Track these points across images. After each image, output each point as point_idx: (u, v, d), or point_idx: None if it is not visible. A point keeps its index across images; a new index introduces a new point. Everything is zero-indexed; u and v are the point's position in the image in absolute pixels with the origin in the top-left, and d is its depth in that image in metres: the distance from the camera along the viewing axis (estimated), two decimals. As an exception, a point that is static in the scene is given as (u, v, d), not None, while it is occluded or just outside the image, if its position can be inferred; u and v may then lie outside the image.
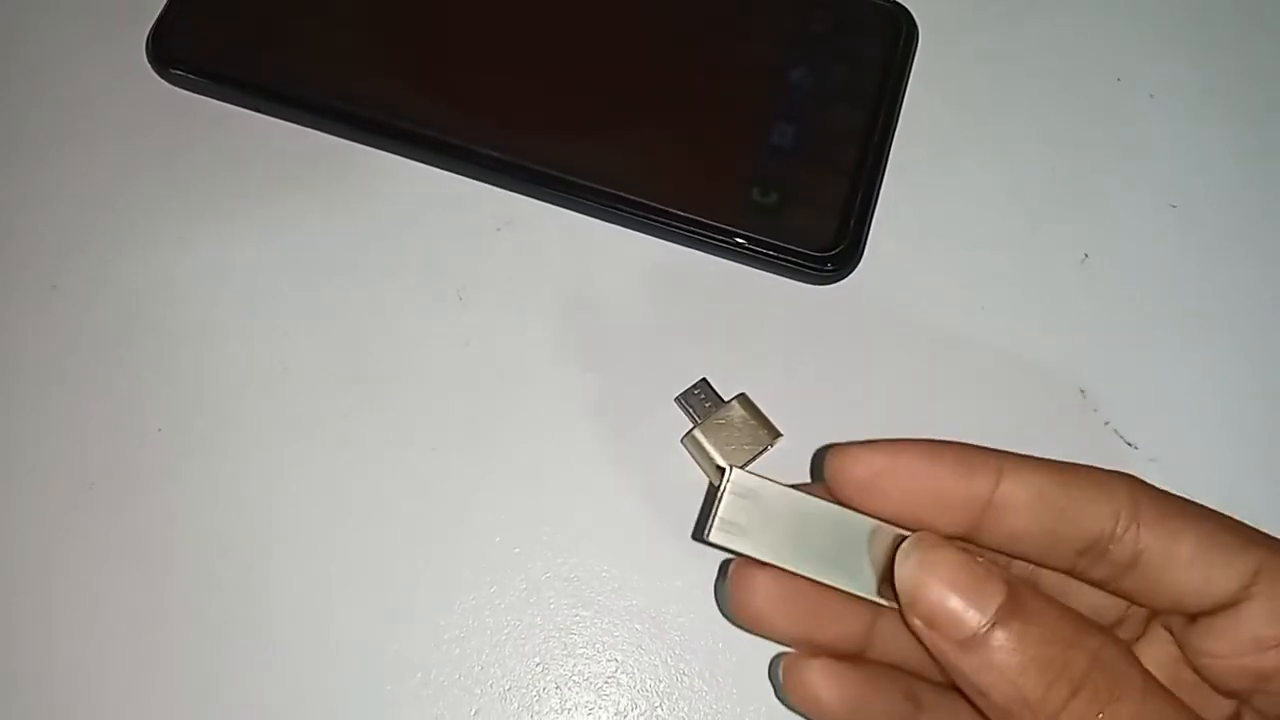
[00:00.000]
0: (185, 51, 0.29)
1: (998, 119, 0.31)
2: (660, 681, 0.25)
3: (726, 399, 0.27)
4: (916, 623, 0.18)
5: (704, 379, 0.27)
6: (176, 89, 0.30)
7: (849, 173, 0.29)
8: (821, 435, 0.27)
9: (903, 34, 0.30)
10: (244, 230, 0.29)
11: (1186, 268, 0.29)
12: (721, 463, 0.26)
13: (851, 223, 0.28)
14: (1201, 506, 0.19)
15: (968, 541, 0.19)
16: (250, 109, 0.30)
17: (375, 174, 0.29)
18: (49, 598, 0.26)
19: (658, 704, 0.25)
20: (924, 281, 0.29)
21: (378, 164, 0.29)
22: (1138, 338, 0.28)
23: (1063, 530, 0.18)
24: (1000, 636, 0.17)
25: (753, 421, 0.26)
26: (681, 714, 0.25)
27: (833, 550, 0.18)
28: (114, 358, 0.28)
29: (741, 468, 0.24)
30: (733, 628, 0.26)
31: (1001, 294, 0.29)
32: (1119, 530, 0.18)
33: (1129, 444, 0.27)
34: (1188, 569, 0.18)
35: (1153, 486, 0.19)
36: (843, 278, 0.28)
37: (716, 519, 0.19)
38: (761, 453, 0.26)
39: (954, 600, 0.17)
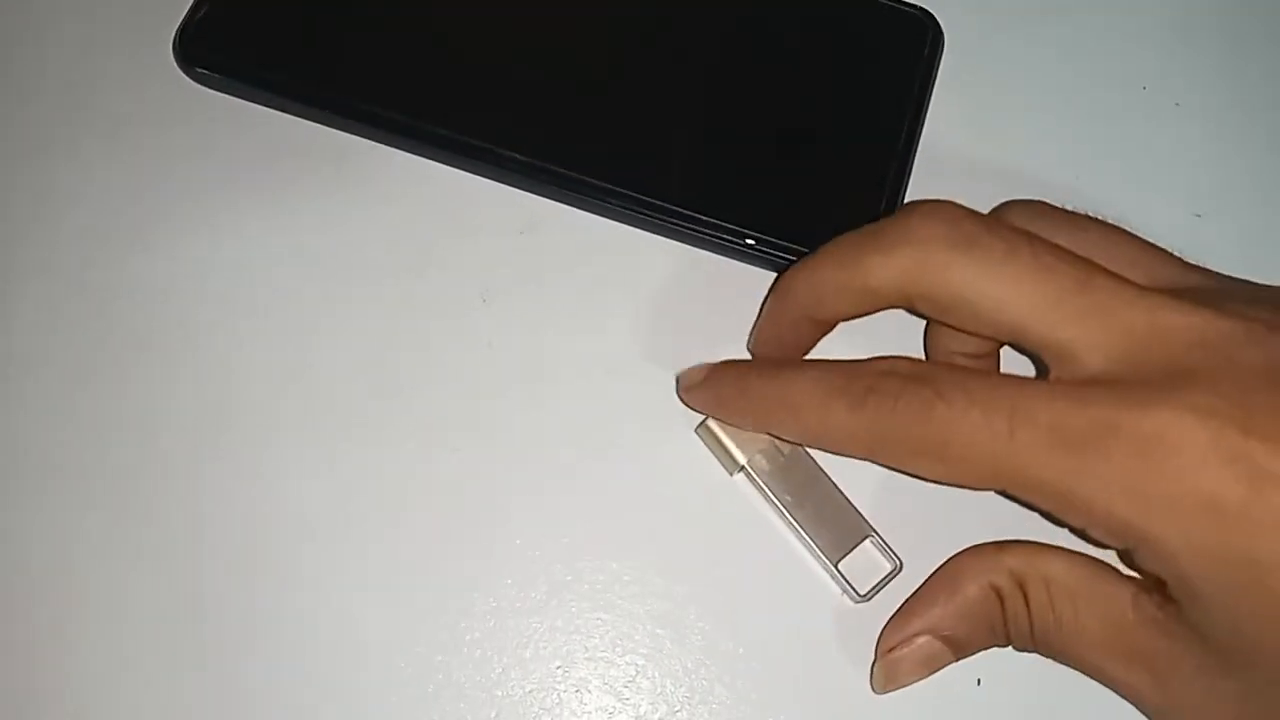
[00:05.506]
0: (211, 51, 0.30)
1: (1022, 126, 0.30)
2: (681, 686, 0.25)
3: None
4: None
5: None
6: (203, 88, 0.30)
7: (873, 179, 0.29)
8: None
9: (928, 41, 0.30)
10: (268, 229, 0.29)
11: (1211, 277, 0.29)
12: (736, 452, 0.26)
13: (876, 229, 0.28)
14: None
15: None
16: (276, 108, 0.30)
17: (400, 175, 0.29)
18: (68, 596, 0.26)
19: (678, 708, 0.25)
20: (947, 288, 0.29)
21: (403, 165, 0.29)
22: (1162, 347, 0.28)
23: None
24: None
25: None
26: (702, 719, 0.25)
27: None
28: (136, 355, 0.28)
29: (757, 456, 0.24)
30: (755, 633, 0.26)
31: (1025, 301, 0.28)
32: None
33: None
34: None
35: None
36: (866, 284, 0.28)
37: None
38: (777, 438, 0.26)
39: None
